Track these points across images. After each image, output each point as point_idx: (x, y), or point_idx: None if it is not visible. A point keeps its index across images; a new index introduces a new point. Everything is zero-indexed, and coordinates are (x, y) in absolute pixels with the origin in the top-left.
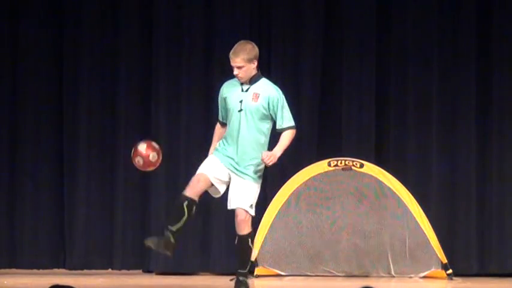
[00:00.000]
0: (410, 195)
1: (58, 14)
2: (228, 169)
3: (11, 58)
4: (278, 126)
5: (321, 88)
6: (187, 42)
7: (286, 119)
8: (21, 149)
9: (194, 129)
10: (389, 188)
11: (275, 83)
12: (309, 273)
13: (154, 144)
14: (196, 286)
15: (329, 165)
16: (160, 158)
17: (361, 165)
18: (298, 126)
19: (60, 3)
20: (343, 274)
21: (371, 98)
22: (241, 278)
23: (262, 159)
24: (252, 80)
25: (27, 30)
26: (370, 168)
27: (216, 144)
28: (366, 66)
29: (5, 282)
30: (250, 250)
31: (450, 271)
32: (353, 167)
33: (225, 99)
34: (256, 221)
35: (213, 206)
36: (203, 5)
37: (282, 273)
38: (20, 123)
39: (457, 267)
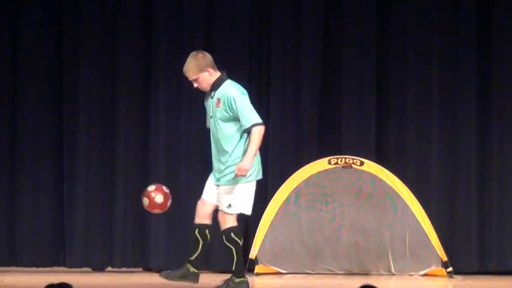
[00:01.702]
0: (411, 193)
1: (58, 14)
2: (214, 182)
3: (11, 58)
4: (243, 127)
5: (321, 86)
6: (187, 42)
7: (249, 117)
8: (21, 147)
9: (194, 129)
10: (389, 186)
11: (275, 81)
12: (309, 271)
13: (164, 188)
14: (196, 284)
15: (329, 163)
16: (169, 202)
17: (361, 163)
18: (298, 124)
19: (60, 4)
20: (343, 272)
21: (371, 96)
22: (232, 278)
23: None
24: (215, 85)
25: (27, 30)
26: (370, 166)
27: None
28: (366, 64)
29: (6, 280)
30: (228, 248)
31: (450, 269)
32: (353, 165)
33: (205, 107)
34: (256, 219)
35: None
36: (203, 4)
37: (282, 271)
38: (20, 122)
39: (457, 265)
